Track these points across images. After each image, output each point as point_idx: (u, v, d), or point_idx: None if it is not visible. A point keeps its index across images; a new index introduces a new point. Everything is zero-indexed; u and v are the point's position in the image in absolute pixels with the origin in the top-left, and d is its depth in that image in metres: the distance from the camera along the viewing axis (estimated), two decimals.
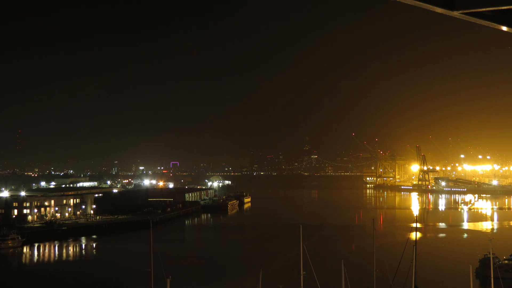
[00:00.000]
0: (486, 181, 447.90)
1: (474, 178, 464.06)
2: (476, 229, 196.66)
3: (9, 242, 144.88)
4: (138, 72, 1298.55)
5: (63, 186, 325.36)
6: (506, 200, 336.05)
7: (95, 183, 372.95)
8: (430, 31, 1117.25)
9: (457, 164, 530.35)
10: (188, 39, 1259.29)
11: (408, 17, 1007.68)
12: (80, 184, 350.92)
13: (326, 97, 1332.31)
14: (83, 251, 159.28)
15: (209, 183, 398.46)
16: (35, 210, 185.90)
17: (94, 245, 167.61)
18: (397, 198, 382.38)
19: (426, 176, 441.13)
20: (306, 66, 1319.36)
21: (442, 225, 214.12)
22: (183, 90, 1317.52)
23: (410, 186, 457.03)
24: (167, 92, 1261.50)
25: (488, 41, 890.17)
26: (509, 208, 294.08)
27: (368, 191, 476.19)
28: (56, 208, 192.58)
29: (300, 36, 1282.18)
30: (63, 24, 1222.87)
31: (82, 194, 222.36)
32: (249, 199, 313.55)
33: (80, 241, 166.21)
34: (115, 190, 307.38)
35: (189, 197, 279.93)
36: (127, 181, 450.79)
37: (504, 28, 13.06)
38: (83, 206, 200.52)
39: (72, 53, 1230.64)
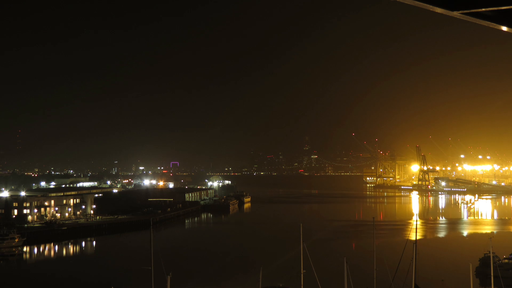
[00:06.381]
0: (486, 181, 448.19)
1: (474, 178, 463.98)
2: (476, 228, 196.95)
3: (9, 242, 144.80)
4: (137, 73, 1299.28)
5: (63, 186, 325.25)
6: (506, 200, 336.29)
7: (95, 183, 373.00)
8: (429, 26, 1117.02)
9: (457, 164, 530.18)
10: (186, 38, 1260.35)
11: (406, 12, 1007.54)
12: (80, 184, 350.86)
13: (324, 97, 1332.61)
14: (83, 251, 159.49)
15: (209, 183, 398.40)
16: (35, 210, 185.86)
17: (94, 245, 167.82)
18: (397, 198, 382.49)
19: (426, 176, 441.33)
20: (303, 66, 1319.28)
21: (442, 224, 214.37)
22: (183, 90, 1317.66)
23: (410, 186, 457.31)
24: (167, 92, 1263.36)
25: (489, 35, 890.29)
26: (509, 208, 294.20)
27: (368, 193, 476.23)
28: (56, 208, 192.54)
29: (296, 35, 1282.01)
30: (61, 22, 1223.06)
31: (82, 194, 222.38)
32: (249, 199, 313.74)
33: (80, 241, 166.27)
34: (115, 190, 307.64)
35: (189, 197, 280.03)
36: (127, 181, 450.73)
37: (504, 28, 13.21)
38: (83, 206, 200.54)
39: (70, 53, 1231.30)
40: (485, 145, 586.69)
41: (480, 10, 12.39)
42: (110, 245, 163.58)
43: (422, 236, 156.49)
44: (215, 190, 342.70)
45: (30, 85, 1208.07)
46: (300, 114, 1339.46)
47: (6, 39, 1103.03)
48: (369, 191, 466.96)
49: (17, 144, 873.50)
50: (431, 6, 12.45)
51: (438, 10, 12.56)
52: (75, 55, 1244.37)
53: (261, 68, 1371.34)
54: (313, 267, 66.41)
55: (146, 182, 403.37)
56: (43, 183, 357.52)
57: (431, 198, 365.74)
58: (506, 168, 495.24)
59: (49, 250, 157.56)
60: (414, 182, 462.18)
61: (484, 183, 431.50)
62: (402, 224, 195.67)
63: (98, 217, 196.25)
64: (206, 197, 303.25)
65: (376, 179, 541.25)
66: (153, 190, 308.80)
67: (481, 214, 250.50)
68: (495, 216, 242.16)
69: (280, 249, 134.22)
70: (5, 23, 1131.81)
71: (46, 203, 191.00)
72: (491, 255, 75.62)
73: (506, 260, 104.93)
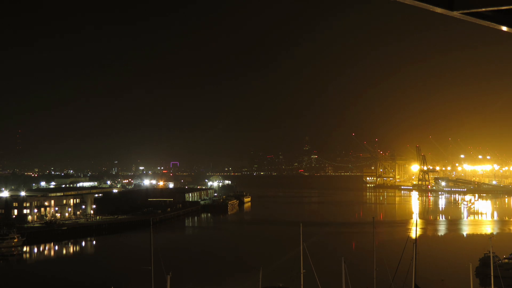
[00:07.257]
0: (486, 181, 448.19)
1: (474, 178, 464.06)
2: (476, 228, 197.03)
3: (9, 242, 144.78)
4: (137, 72, 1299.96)
5: (63, 186, 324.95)
6: (506, 200, 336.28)
7: (95, 183, 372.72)
8: (429, 26, 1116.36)
9: (457, 164, 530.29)
10: (185, 38, 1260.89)
11: (406, 12, 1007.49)
12: (80, 184, 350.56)
13: (324, 97, 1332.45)
14: (83, 251, 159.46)
15: (209, 183, 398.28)
16: (35, 210, 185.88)
17: (94, 245, 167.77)
18: (397, 198, 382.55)
19: (426, 176, 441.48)
20: (303, 65, 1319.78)
21: (442, 224, 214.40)
22: (182, 90, 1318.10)
23: (410, 186, 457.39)
24: (166, 91, 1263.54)
25: (489, 35, 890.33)
26: (509, 208, 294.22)
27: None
28: (56, 208, 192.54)
29: (295, 34, 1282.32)
30: (58, 19, 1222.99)
31: (82, 194, 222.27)
32: (249, 199, 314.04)
33: (80, 241, 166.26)
34: (115, 190, 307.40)
35: (189, 197, 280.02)
36: (127, 181, 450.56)
37: (504, 28, 13.23)
38: (83, 206, 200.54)
39: (70, 52, 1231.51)
40: (485, 145, 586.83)
41: (480, 10, 12.41)
42: (110, 245, 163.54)
43: (422, 236, 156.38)
44: (215, 190, 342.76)
45: (30, 85, 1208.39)
46: (300, 114, 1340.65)
47: (5, 38, 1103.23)
48: (369, 191, 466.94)
49: (17, 144, 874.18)
50: (431, 6, 12.48)
51: (438, 10, 12.58)
52: (75, 55, 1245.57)
53: (261, 68, 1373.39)
54: (313, 267, 66.39)
55: (146, 182, 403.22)
56: (43, 183, 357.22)
57: (431, 198, 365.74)
58: (506, 168, 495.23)
59: (49, 250, 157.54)
60: (414, 182, 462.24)
61: (484, 183, 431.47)
62: (402, 224, 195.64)
63: (98, 217, 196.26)
64: (206, 197, 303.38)
65: (376, 179, 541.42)
66: (153, 190, 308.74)
67: (481, 214, 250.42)
68: (495, 216, 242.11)
69: (280, 249, 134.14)
70: (5, 22, 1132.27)
71: (46, 203, 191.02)
72: (491, 255, 75.60)
73: (506, 260, 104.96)
